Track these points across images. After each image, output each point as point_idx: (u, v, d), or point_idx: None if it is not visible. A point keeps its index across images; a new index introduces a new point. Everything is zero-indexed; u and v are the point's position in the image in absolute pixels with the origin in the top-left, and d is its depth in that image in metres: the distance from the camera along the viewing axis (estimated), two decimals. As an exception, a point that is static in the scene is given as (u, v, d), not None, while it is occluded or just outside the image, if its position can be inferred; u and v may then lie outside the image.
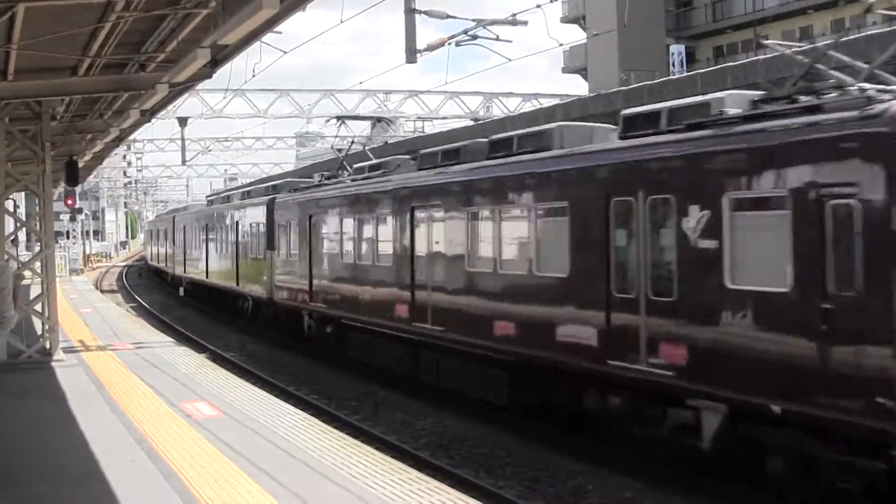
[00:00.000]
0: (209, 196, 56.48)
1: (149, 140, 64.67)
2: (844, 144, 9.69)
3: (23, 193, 36.44)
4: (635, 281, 12.23)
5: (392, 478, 9.69)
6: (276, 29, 11.92)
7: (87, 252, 77.62)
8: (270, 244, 27.95)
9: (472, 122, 48.79)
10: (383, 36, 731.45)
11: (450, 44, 25.68)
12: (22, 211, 45.71)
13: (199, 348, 24.08)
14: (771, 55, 23.75)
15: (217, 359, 23.00)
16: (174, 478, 9.77)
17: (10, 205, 23.72)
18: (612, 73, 52.77)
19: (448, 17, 26.31)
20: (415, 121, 46.18)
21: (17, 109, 17.63)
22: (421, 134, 50.52)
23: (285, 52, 15.74)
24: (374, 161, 23.07)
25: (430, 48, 25.95)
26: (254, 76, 26.69)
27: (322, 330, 23.80)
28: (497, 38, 25.88)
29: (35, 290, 19.16)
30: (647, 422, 12.40)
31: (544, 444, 14.41)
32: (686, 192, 11.53)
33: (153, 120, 22.35)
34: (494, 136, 17.38)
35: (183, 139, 52.17)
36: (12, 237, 24.80)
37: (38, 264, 19.96)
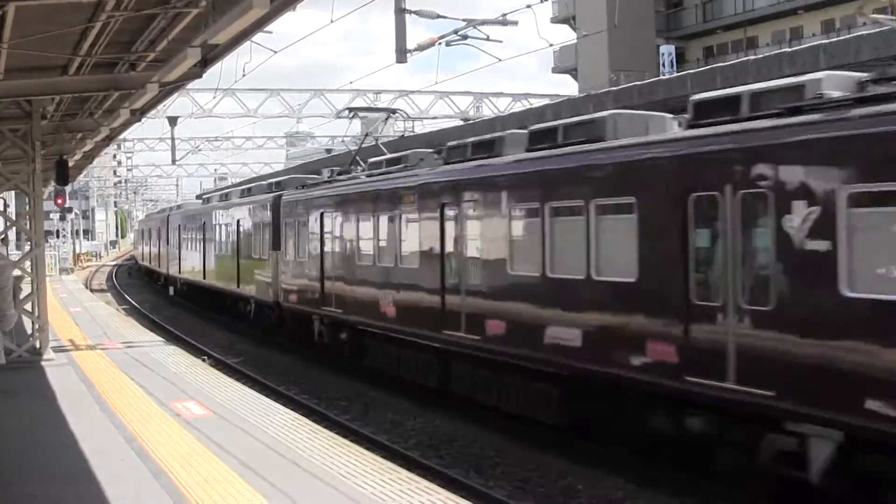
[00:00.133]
0: (203, 194, 56.15)
1: (139, 139, 64.79)
2: None
3: (13, 192, 36.44)
4: (721, 287, 10.92)
5: (382, 477, 9.69)
6: (267, 28, 11.91)
7: (77, 251, 77.51)
8: (276, 244, 26.28)
9: (461, 122, 48.91)
10: (373, 36, 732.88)
11: (440, 44, 25.64)
12: (12, 210, 45.56)
13: (192, 350, 24.04)
14: (762, 56, 23.82)
15: (209, 359, 22.94)
16: (164, 477, 9.77)
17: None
18: (603, 73, 52.85)
19: (438, 16, 26.29)
20: (405, 120, 46.20)
21: (7, 108, 17.61)
22: (411, 133, 50.52)
23: (275, 52, 15.77)
24: (393, 155, 21.67)
25: (421, 48, 25.93)
26: (244, 76, 26.82)
27: (335, 336, 22.35)
28: (487, 38, 25.88)
29: (25, 290, 19.09)
30: (735, 447, 11.10)
31: (534, 444, 14.41)
32: (788, 186, 10.15)
33: (143, 119, 22.28)
34: (534, 126, 15.96)
35: (173, 138, 52.15)
36: (2, 236, 24.83)
37: (27, 263, 19.91)
